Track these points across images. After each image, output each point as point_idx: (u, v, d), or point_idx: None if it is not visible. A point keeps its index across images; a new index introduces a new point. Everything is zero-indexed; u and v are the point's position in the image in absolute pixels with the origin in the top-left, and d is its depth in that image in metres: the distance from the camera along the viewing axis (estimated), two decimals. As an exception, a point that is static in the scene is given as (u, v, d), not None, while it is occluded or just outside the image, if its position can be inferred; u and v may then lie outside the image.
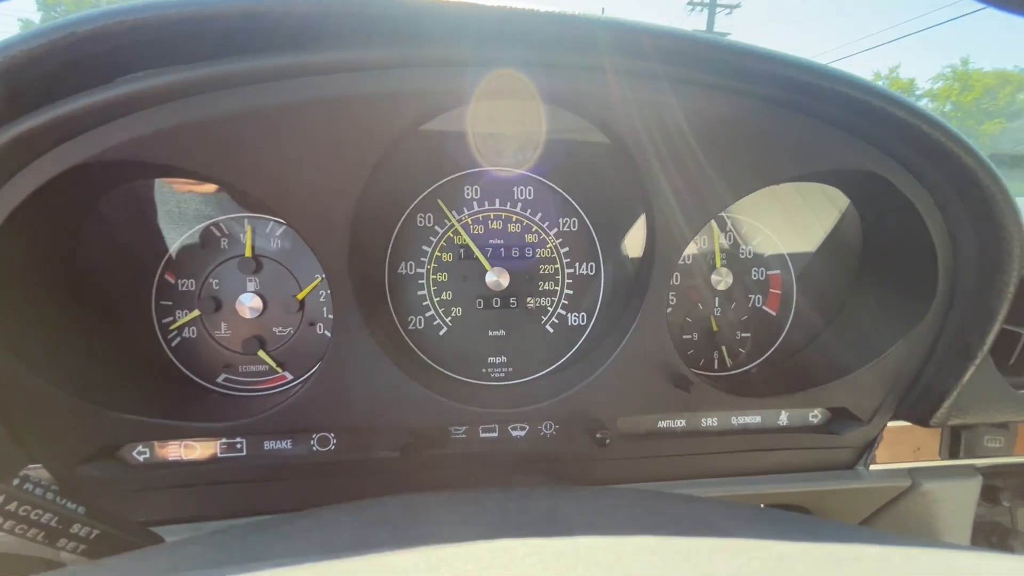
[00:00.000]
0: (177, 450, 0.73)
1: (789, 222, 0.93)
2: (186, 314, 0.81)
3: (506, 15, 0.54)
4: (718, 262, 0.92)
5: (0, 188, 0.54)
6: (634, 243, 0.85)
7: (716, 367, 0.95)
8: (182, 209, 0.80)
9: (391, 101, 0.59)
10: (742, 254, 0.94)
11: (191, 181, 0.77)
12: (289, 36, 0.54)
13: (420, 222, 0.86)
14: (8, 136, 0.50)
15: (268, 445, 0.75)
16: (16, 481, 0.49)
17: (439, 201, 0.85)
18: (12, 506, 0.48)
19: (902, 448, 0.85)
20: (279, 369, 0.83)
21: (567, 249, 0.89)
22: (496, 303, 0.88)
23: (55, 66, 0.49)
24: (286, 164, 0.59)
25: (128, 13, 0.47)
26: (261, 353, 0.81)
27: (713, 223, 0.91)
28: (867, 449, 0.85)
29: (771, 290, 0.95)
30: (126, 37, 0.49)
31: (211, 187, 0.79)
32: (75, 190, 0.60)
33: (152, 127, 0.54)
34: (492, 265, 0.86)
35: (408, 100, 0.59)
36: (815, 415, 0.87)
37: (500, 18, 0.55)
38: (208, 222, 0.80)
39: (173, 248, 0.80)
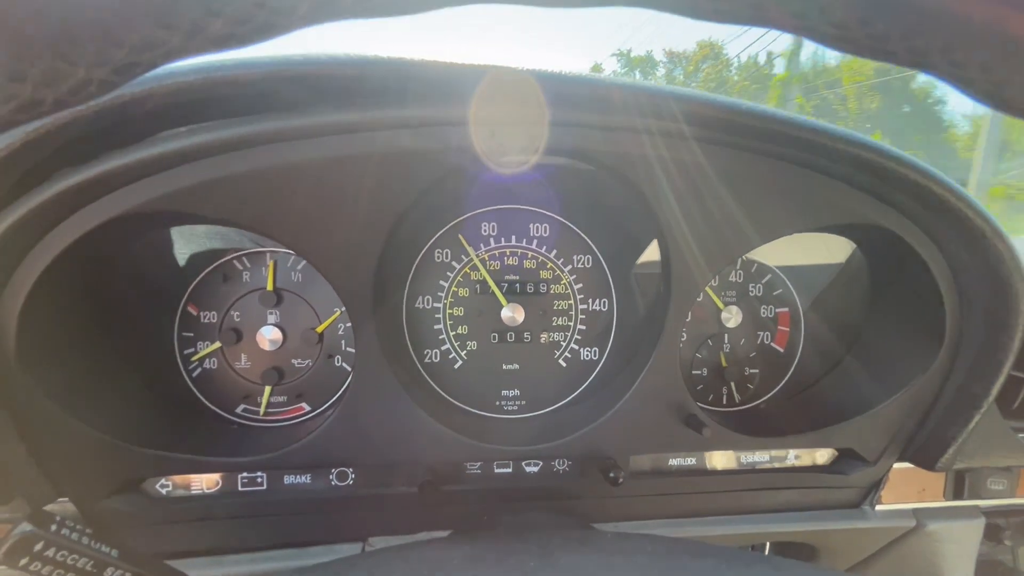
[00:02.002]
0: (199, 483, 0.74)
1: (798, 260, 0.95)
2: (207, 345, 0.83)
3: (529, 78, 0.56)
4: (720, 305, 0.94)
5: (40, 242, 0.56)
6: (646, 280, 0.87)
7: (724, 402, 0.97)
8: (209, 236, 0.81)
9: (421, 157, 0.60)
10: (751, 292, 0.96)
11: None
12: (329, 95, 0.55)
13: (438, 257, 0.87)
14: (48, 195, 0.52)
15: (288, 480, 0.76)
16: (54, 527, 0.50)
17: (460, 236, 0.87)
18: (51, 552, 0.50)
19: (907, 489, 0.87)
20: (260, 413, 0.84)
21: (580, 285, 0.91)
22: (510, 337, 0.89)
23: (104, 124, 0.51)
24: (318, 215, 0.61)
25: (176, 77, 0.49)
26: (267, 390, 0.83)
27: None
28: (873, 489, 0.87)
29: (780, 327, 0.97)
30: (172, 98, 0.51)
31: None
32: (110, 238, 0.62)
33: (190, 181, 0.56)
34: (508, 300, 0.88)
35: (440, 155, 0.61)
36: (822, 455, 0.89)
37: (521, 81, 0.57)
38: (231, 255, 0.82)
39: (196, 280, 0.82)
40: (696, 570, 0.46)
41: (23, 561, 0.49)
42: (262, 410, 0.84)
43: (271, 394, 0.84)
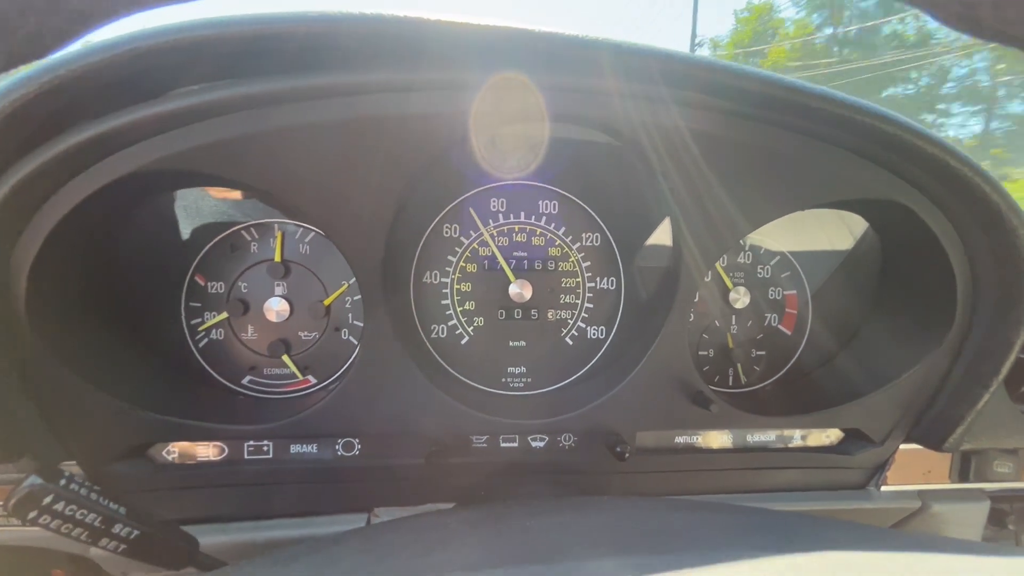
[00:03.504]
0: (205, 451, 0.74)
1: (806, 243, 0.95)
2: (214, 316, 0.82)
3: (551, 38, 0.56)
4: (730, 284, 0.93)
5: (50, 198, 0.55)
6: (654, 259, 0.87)
7: (731, 383, 0.96)
8: (214, 212, 0.81)
9: (435, 120, 0.60)
10: (759, 273, 0.95)
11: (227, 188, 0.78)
12: (341, 55, 0.55)
13: (446, 232, 0.87)
14: (62, 147, 0.52)
15: (294, 449, 0.76)
16: (62, 482, 0.50)
17: (471, 210, 0.86)
18: (59, 505, 0.49)
19: (913, 470, 0.87)
20: (300, 375, 0.84)
21: (589, 263, 0.91)
22: (517, 314, 0.89)
23: (113, 79, 0.50)
24: (330, 178, 0.61)
25: (191, 30, 0.49)
26: (285, 358, 0.83)
27: None
28: (879, 470, 0.87)
29: (787, 310, 0.96)
30: (184, 53, 0.50)
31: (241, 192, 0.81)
32: (120, 197, 0.61)
33: (202, 140, 0.56)
34: (516, 277, 0.87)
35: (450, 119, 0.60)
36: (828, 435, 0.88)
37: (546, 41, 0.56)
38: (239, 226, 0.82)
39: (204, 251, 0.81)
40: (675, 522, 0.46)
41: (32, 514, 0.49)
42: (298, 373, 0.84)
43: (277, 365, 0.84)
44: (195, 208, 0.80)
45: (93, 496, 0.52)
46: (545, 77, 0.60)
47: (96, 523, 0.52)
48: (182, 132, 0.55)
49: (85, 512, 0.51)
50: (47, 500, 0.49)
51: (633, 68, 0.60)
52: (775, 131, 0.66)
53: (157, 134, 0.55)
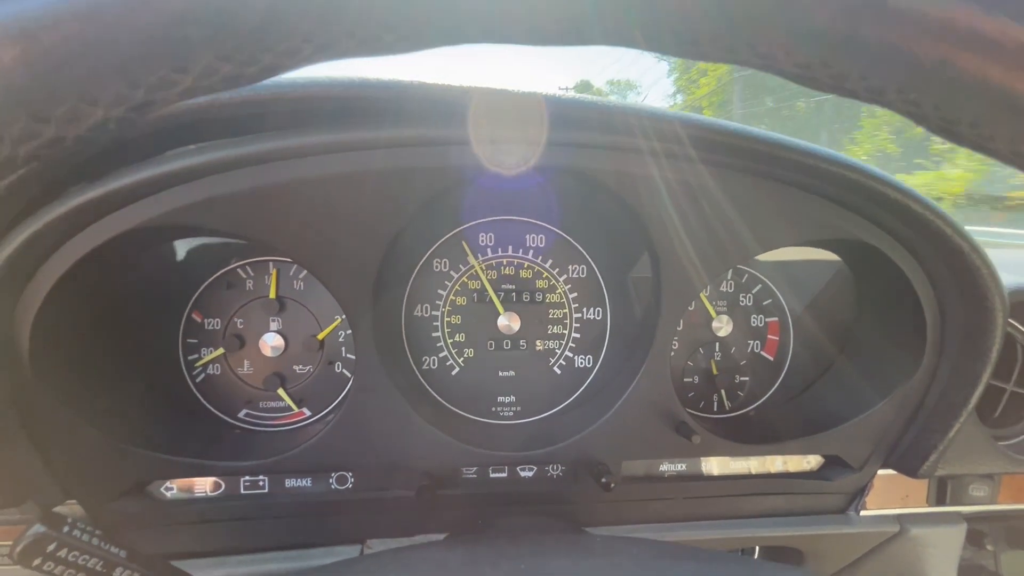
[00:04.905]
0: (202, 486, 0.76)
1: (787, 271, 0.98)
2: (211, 351, 0.85)
3: (529, 100, 0.59)
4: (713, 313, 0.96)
5: (52, 256, 0.58)
6: (639, 290, 0.89)
7: (715, 409, 0.99)
8: (210, 251, 0.84)
9: (420, 174, 0.63)
10: (742, 301, 0.98)
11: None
12: (331, 114, 0.58)
13: (436, 267, 0.90)
14: (62, 210, 0.54)
15: (289, 483, 0.78)
16: (66, 528, 0.53)
17: (464, 243, 0.89)
18: (63, 552, 0.52)
19: (891, 495, 0.90)
20: (295, 407, 0.87)
21: (575, 294, 0.94)
22: (507, 345, 0.92)
23: (111, 144, 0.53)
24: (320, 229, 0.64)
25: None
26: (281, 392, 0.85)
27: None
28: (858, 495, 0.89)
29: (769, 336, 0.99)
30: (181, 119, 0.53)
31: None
32: (119, 250, 0.64)
33: (198, 196, 0.58)
34: (504, 309, 0.90)
35: (440, 172, 0.63)
36: (809, 462, 0.91)
37: (521, 102, 0.59)
38: (235, 264, 0.84)
39: (201, 288, 0.84)
40: (677, 572, 0.48)
41: (37, 561, 0.51)
42: (292, 406, 0.87)
43: (272, 399, 0.86)
44: (195, 248, 0.83)
45: (95, 541, 0.54)
46: (529, 132, 0.63)
47: (98, 568, 0.54)
48: (177, 191, 0.58)
49: (88, 557, 0.53)
50: (51, 548, 0.51)
51: (622, 126, 0.63)
52: (749, 178, 0.69)
53: (154, 193, 0.58)
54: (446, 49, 0.26)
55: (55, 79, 0.21)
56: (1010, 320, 0.78)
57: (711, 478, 0.88)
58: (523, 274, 0.92)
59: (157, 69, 0.23)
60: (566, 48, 0.26)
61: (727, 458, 0.89)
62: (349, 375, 0.87)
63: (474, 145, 0.62)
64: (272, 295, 0.85)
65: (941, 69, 0.22)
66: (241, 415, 0.86)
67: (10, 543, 0.50)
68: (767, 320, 0.99)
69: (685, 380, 0.97)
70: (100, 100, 0.23)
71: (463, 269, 0.90)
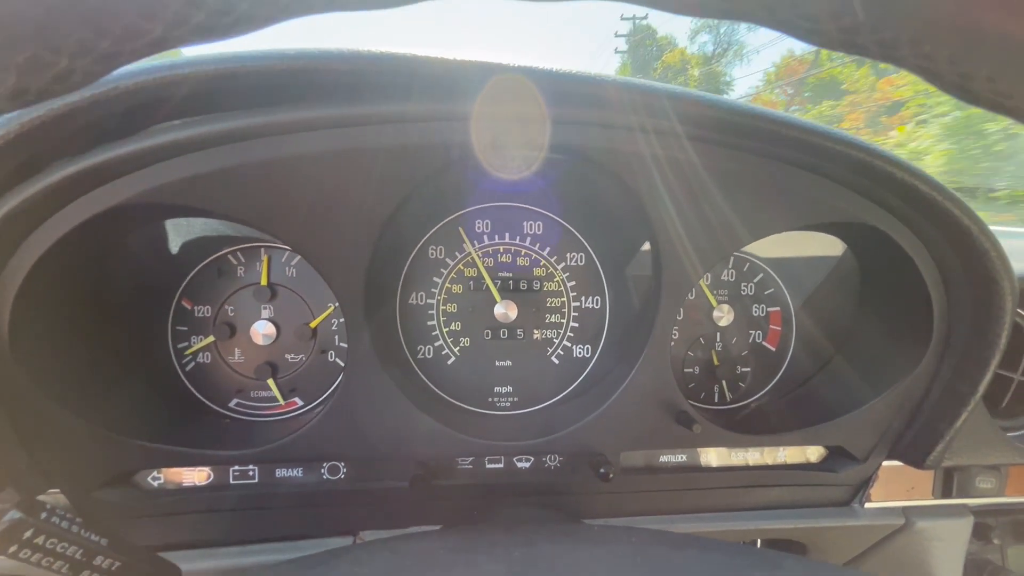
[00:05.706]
0: (191, 476, 0.74)
1: (790, 260, 0.96)
2: (201, 340, 0.83)
3: (529, 75, 0.57)
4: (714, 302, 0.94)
5: (34, 232, 0.56)
6: (639, 278, 0.88)
7: (716, 400, 0.97)
8: (201, 237, 0.82)
9: (417, 152, 0.61)
10: (743, 291, 0.96)
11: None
12: (326, 89, 0.56)
13: (432, 254, 0.88)
14: (43, 185, 0.53)
15: (279, 473, 0.76)
16: (44, 515, 0.51)
17: (460, 230, 0.87)
18: (40, 539, 0.50)
19: (896, 487, 0.88)
20: (282, 399, 0.85)
21: (574, 283, 0.92)
22: (503, 334, 0.90)
23: (94, 118, 0.51)
24: (312, 209, 0.62)
25: (170, 69, 0.50)
26: (270, 382, 0.83)
27: None
28: (862, 487, 0.87)
29: (771, 326, 0.97)
30: (167, 91, 0.51)
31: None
32: (105, 228, 0.62)
33: (185, 173, 0.57)
34: (501, 297, 0.88)
35: (433, 151, 0.61)
36: (812, 453, 0.89)
37: (521, 78, 0.57)
38: (226, 250, 0.83)
39: (191, 275, 0.82)
40: (675, 560, 0.46)
41: (12, 548, 0.49)
42: (280, 398, 0.85)
43: (264, 388, 0.85)
44: (184, 228, 0.81)
45: (75, 528, 0.52)
46: (530, 109, 0.61)
47: (78, 555, 0.52)
48: (162, 167, 0.56)
49: (66, 545, 0.51)
50: (27, 534, 0.49)
51: (628, 103, 0.61)
52: (752, 158, 0.67)
53: (138, 169, 0.56)
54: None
55: (12, 24, 0.20)
56: (1017, 310, 0.76)
57: (712, 469, 0.86)
58: (520, 261, 0.90)
59: (124, 16, 0.21)
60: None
61: (728, 449, 0.87)
62: (342, 364, 0.86)
63: (473, 138, 0.61)
64: (264, 282, 0.83)
65: (957, 16, 0.20)
66: (232, 405, 0.85)
67: None
68: (769, 310, 0.97)
69: (686, 371, 0.95)
70: (63, 49, 0.21)
71: (459, 256, 0.88)
